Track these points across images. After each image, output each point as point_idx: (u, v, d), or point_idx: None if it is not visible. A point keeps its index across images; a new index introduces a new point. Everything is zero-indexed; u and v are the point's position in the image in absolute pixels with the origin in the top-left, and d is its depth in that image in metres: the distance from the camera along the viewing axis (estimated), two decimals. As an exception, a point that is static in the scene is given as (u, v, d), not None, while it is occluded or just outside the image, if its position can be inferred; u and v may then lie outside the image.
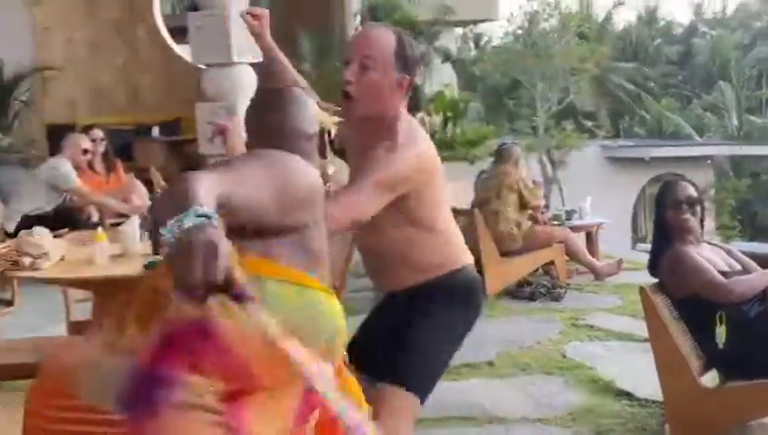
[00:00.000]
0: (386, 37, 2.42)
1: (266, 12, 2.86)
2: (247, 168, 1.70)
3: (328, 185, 2.14)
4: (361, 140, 2.47)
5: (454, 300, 2.64)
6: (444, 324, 2.63)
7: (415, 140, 2.45)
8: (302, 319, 1.73)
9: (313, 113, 2.00)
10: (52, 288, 4.40)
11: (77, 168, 6.29)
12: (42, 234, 3.42)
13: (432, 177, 2.51)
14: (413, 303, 2.61)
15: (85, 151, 6.39)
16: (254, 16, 2.85)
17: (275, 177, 1.72)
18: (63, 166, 6.18)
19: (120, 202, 6.22)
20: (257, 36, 2.86)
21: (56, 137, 7.35)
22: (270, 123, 1.95)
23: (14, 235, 4.06)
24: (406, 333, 2.57)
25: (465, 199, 7.79)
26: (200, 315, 1.56)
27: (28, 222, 5.02)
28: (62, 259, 3.49)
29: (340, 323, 1.88)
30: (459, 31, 20.85)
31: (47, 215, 5.80)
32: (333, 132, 2.05)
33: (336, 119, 2.03)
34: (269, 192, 1.66)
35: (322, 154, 2.03)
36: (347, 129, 2.48)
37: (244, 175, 1.65)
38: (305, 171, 1.82)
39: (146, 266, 1.64)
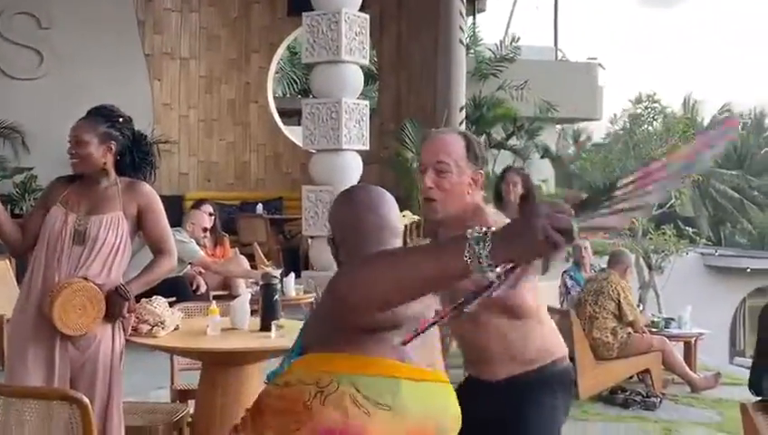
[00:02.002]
0: (454, 140, 2.57)
1: None
2: None
3: None
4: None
5: (556, 390, 2.66)
6: (551, 415, 2.66)
7: (494, 214, 2.56)
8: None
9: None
10: (158, 354, 4.57)
11: (196, 244, 6.55)
12: (160, 303, 3.60)
13: None
14: (518, 394, 2.61)
15: (205, 229, 6.63)
16: None
17: None
18: (187, 239, 6.41)
19: (246, 270, 6.44)
20: None
21: (166, 208, 7.64)
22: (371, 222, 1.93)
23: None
24: (518, 427, 2.59)
25: (552, 296, 7.76)
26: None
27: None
28: (176, 329, 3.65)
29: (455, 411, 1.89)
30: (558, 127, 20.95)
31: (160, 284, 6.02)
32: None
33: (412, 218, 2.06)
34: None
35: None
36: (431, 230, 2.59)
37: None
38: None
39: (268, 378, 1.71)
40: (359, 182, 7.16)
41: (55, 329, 3.10)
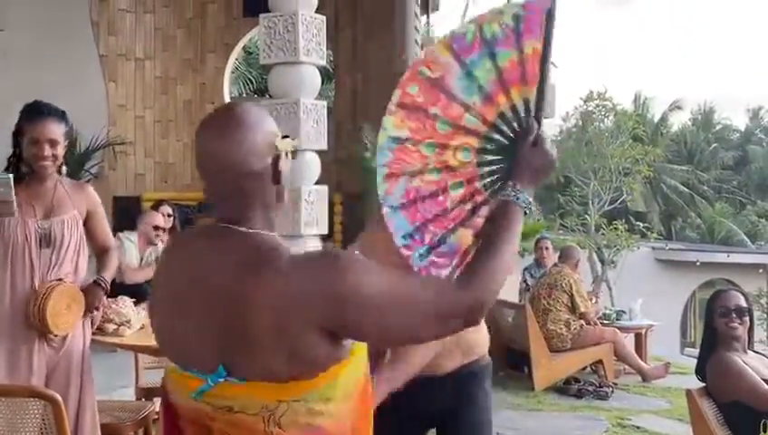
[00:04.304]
0: None
1: None
2: None
3: None
4: None
5: (488, 379, 2.84)
6: (490, 402, 2.83)
7: None
8: None
9: (267, 139, 1.75)
10: (119, 353, 4.63)
11: (149, 243, 6.58)
12: (126, 302, 3.66)
13: None
14: (467, 383, 2.75)
15: (156, 228, 6.66)
16: None
17: None
18: (133, 241, 6.44)
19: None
20: None
21: (122, 209, 7.61)
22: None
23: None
24: (473, 413, 2.74)
25: (513, 292, 7.93)
26: None
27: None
28: (142, 328, 3.72)
29: None
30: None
31: (121, 284, 6.07)
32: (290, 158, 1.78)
33: (295, 142, 1.81)
34: None
35: (276, 180, 1.76)
36: None
37: None
38: None
39: (196, 395, 1.63)
40: (318, 183, 7.24)
41: (31, 332, 3.15)
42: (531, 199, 1.78)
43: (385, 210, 1.95)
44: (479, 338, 2.79)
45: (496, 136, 1.89)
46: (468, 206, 1.90)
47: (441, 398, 2.72)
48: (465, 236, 1.88)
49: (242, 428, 1.63)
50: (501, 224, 1.73)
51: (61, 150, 3.21)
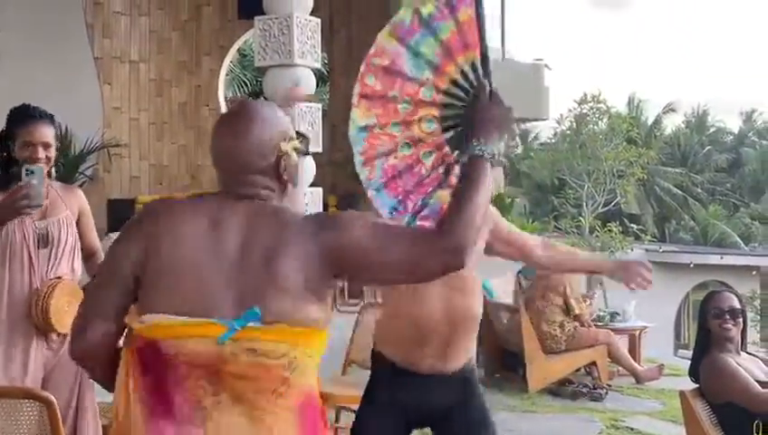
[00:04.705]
0: None
1: None
2: None
3: None
4: None
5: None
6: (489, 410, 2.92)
7: None
8: None
9: (273, 141, 1.90)
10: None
11: None
12: (122, 305, 3.67)
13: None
14: (470, 380, 2.85)
15: None
16: None
17: None
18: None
19: None
20: None
21: (117, 211, 7.62)
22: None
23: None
24: (480, 408, 2.84)
25: (507, 294, 7.94)
26: None
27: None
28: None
29: None
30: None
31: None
32: (294, 162, 1.93)
33: (299, 145, 1.95)
34: None
35: (279, 180, 1.92)
36: None
37: None
38: None
39: (220, 340, 1.76)
40: (312, 185, 7.26)
41: (29, 333, 3.16)
42: (495, 150, 1.94)
43: (370, 193, 2.14)
44: (473, 339, 2.89)
45: (453, 101, 2.06)
46: (441, 169, 2.09)
47: (450, 394, 2.79)
48: (444, 197, 2.04)
49: (260, 368, 1.76)
50: (470, 177, 1.89)
51: (52, 153, 3.23)
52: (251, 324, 1.74)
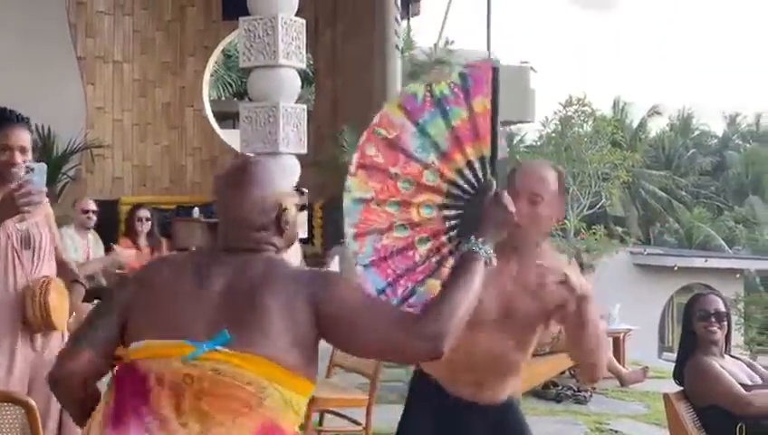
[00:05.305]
0: (551, 176, 2.60)
1: None
2: None
3: None
4: (517, 266, 2.58)
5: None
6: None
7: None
8: None
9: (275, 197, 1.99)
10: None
11: (84, 227, 6.74)
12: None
13: None
14: (512, 414, 2.73)
15: (86, 211, 6.67)
16: None
17: None
18: (66, 238, 6.39)
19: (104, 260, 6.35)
20: None
21: (100, 212, 7.58)
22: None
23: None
24: None
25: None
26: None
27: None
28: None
29: None
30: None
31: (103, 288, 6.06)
32: (292, 218, 1.99)
33: (298, 201, 2.03)
34: None
35: (279, 233, 1.99)
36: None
37: None
38: None
39: (184, 359, 1.81)
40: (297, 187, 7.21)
41: (15, 334, 3.12)
42: (491, 251, 1.97)
43: (359, 268, 2.08)
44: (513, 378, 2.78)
45: (456, 192, 2.04)
46: (435, 258, 2.05)
47: (486, 425, 2.69)
48: (434, 286, 1.99)
49: (222, 386, 1.79)
50: (464, 269, 1.92)
51: (29, 158, 3.20)
52: (221, 349, 1.78)
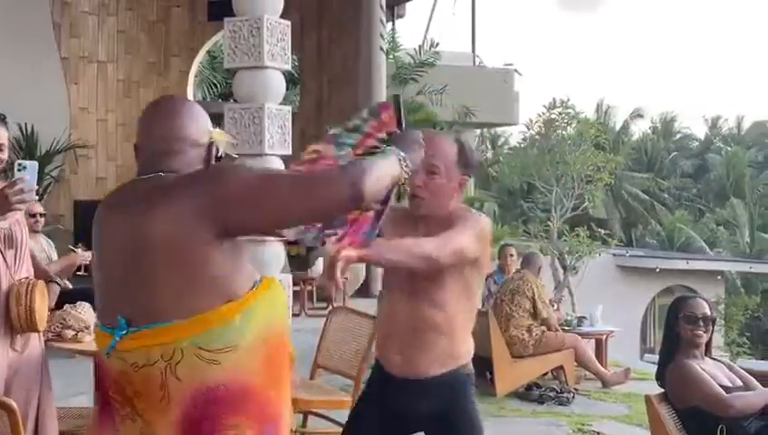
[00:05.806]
0: (449, 147, 2.71)
1: None
2: None
3: None
4: (424, 233, 2.65)
5: (472, 386, 2.81)
6: (478, 411, 2.81)
7: (478, 215, 2.74)
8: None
9: (205, 126, 2.03)
10: (74, 360, 4.57)
11: (33, 231, 6.59)
12: (85, 308, 3.62)
13: (486, 248, 2.74)
14: (453, 389, 2.73)
15: (33, 215, 6.62)
16: None
17: None
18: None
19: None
20: None
21: (84, 213, 7.59)
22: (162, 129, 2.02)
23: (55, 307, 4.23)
24: (463, 421, 2.74)
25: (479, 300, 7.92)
26: None
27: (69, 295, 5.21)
28: (101, 333, 3.68)
29: None
30: (477, 131, 21.37)
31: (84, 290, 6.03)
32: (222, 150, 2.05)
33: (228, 138, 2.07)
34: None
35: (207, 165, 2.02)
36: (396, 226, 2.68)
37: None
38: None
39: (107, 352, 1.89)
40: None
41: None
42: (406, 156, 2.00)
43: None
44: (465, 347, 2.77)
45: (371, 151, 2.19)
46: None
47: (429, 401, 2.70)
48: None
49: (150, 384, 1.73)
50: (381, 153, 2.00)
51: (5, 155, 3.18)
52: (123, 338, 1.77)
